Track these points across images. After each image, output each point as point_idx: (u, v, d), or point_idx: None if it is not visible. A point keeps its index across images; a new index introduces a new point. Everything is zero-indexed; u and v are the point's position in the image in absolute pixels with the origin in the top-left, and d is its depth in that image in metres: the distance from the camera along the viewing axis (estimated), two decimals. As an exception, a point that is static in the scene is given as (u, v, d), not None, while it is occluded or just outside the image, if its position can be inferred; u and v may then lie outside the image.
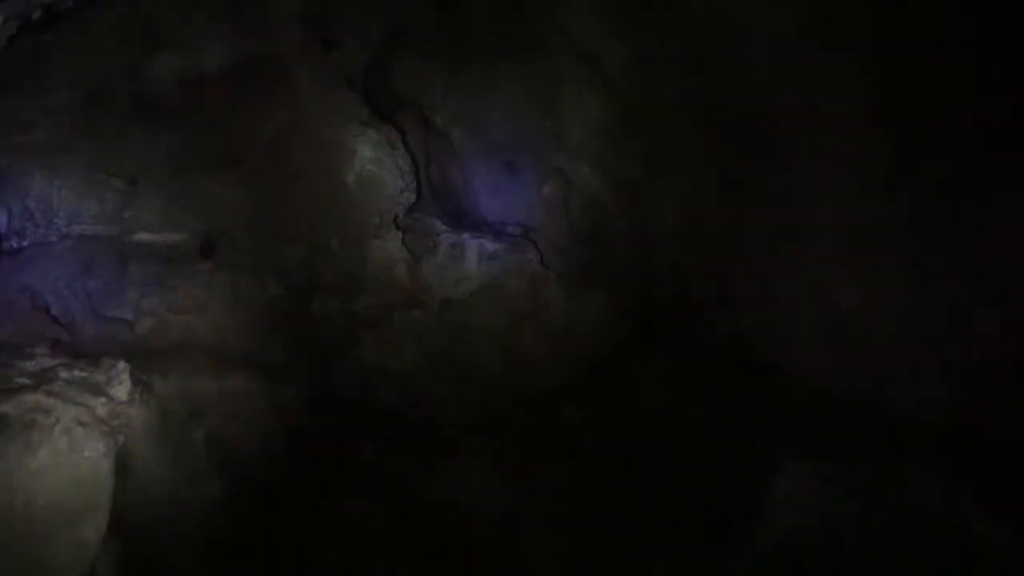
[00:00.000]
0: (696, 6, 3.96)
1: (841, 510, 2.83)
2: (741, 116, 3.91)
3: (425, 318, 5.12)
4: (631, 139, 4.82)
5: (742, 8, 3.67)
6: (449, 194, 5.57)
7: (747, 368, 3.99)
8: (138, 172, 4.70)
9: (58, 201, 4.54)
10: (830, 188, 3.48)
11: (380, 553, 3.60)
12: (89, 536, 2.97)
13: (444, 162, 5.53)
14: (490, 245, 5.27)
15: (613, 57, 4.64)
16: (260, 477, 3.98)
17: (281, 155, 5.03)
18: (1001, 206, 2.78)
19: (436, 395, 4.82)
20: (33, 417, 2.94)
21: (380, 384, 4.83)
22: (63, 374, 3.23)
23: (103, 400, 3.22)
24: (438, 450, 4.33)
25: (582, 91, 4.89)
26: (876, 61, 3.07)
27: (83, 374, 3.29)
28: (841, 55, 3.22)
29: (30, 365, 3.26)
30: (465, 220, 5.44)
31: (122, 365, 3.44)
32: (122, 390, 3.35)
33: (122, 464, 3.26)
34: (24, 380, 3.13)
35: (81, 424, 3.04)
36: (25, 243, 4.46)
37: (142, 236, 4.68)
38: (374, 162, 5.32)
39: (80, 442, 3.00)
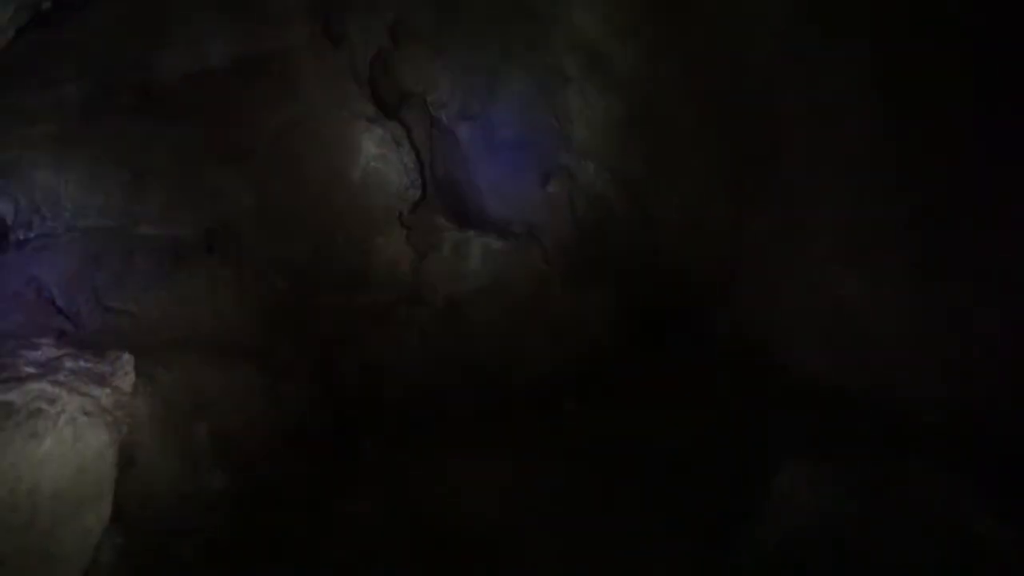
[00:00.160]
0: (700, 4, 3.97)
1: (842, 510, 2.83)
2: (744, 115, 3.92)
3: (429, 315, 5.13)
4: (635, 137, 4.83)
5: (744, 6, 3.68)
6: (454, 191, 5.58)
7: (749, 366, 4.00)
8: (144, 166, 4.72)
9: (64, 194, 4.56)
10: (832, 187, 3.49)
11: (381, 549, 3.60)
12: (92, 526, 2.99)
13: (449, 159, 5.54)
14: (494, 243, 5.28)
15: (618, 55, 4.65)
16: (262, 471, 3.99)
17: (286, 150, 5.05)
18: (1003, 205, 2.78)
19: (439, 392, 4.82)
20: (39, 406, 2.95)
21: (383, 380, 4.84)
22: (68, 364, 3.24)
23: (108, 391, 3.23)
24: (440, 447, 4.33)
25: (587, 89, 4.90)
26: (878, 58, 3.08)
27: (88, 364, 3.30)
28: (843, 52, 3.23)
29: (36, 355, 3.27)
30: (470, 217, 5.45)
31: (127, 356, 3.45)
32: (126, 381, 3.37)
33: (125, 455, 3.27)
34: (30, 369, 3.14)
35: (86, 414, 3.05)
36: (32, 235, 4.48)
37: (147, 229, 4.70)
38: (379, 158, 5.33)
39: (84, 432, 3.02)
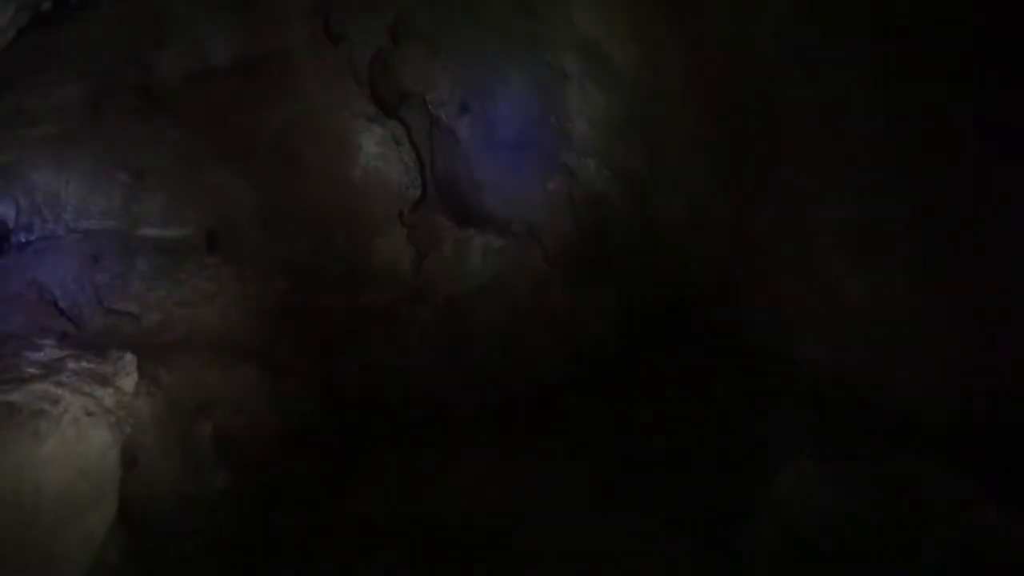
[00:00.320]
0: (700, 3, 3.97)
1: (843, 507, 2.83)
2: (744, 113, 3.92)
3: (429, 314, 5.13)
4: (636, 136, 4.83)
5: (744, 5, 3.68)
6: (454, 190, 5.59)
7: (751, 363, 4.00)
8: (145, 166, 4.73)
9: (65, 195, 4.56)
10: (832, 185, 3.49)
11: (381, 549, 3.61)
12: (96, 526, 3.00)
13: (449, 158, 5.55)
14: (495, 242, 5.29)
15: (618, 54, 4.65)
16: (265, 470, 4.00)
17: (286, 149, 5.05)
18: (1003, 205, 2.79)
19: (440, 391, 4.83)
20: (42, 406, 2.96)
21: (383, 379, 4.84)
22: (71, 365, 3.25)
23: (110, 391, 3.24)
24: (441, 446, 4.34)
25: (587, 88, 4.90)
26: (878, 58, 3.08)
27: (91, 365, 3.31)
28: (843, 52, 3.23)
29: (38, 356, 3.28)
30: (470, 216, 5.45)
31: (129, 357, 3.46)
32: (129, 382, 3.38)
33: (128, 455, 3.28)
34: (33, 370, 3.15)
35: (89, 414, 3.07)
36: (33, 237, 4.49)
37: (149, 230, 4.71)
38: (379, 157, 5.34)
39: (88, 432, 3.03)
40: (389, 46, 5.44)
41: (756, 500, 3.11)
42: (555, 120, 5.11)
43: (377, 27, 5.36)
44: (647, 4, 4.32)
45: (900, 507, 2.70)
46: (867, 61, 3.13)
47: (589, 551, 3.44)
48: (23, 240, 4.42)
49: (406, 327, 5.07)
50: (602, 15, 4.58)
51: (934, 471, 2.74)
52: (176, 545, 3.43)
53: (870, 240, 3.37)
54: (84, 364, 3.32)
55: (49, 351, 3.39)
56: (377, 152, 5.35)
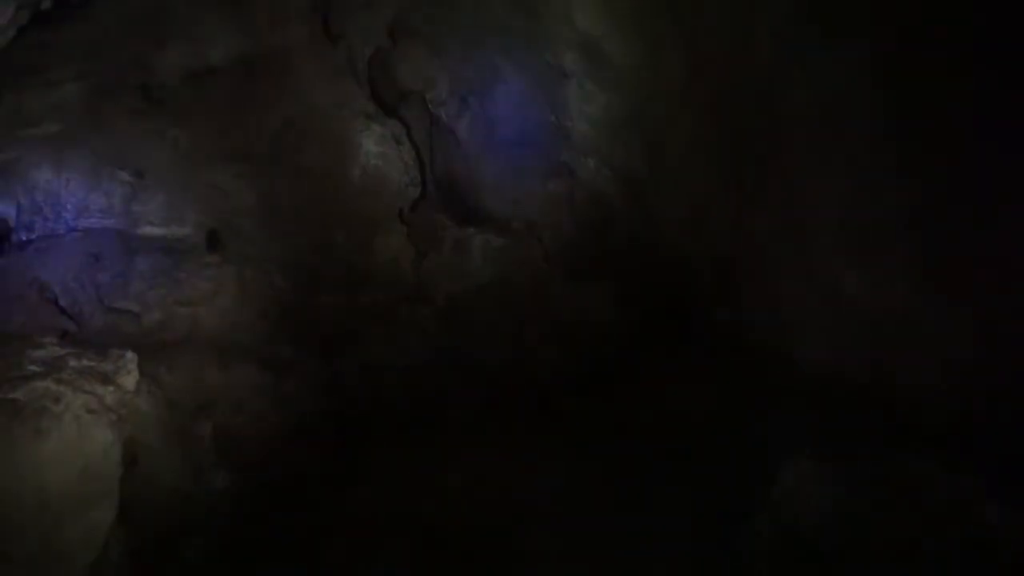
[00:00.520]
0: (700, 2, 3.97)
1: (844, 506, 2.84)
2: (744, 112, 3.92)
3: (430, 313, 5.14)
4: (636, 134, 4.83)
5: (744, 5, 3.69)
6: (454, 189, 5.60)
7: (751, 361, 4.00)
8: (145, 165, 4.73)
9: (66, 194, 4.57)
10: (832, 184, 3.49)
11: (382, 549, 3.61)
12: (97, 523, 3.00)
13: (449, 157, 5.55)
14: (495, 240, 5.29)
15: (618, 53, 4.65)
16: (265, 469, 4.00)
17: (286, 149, 5.05)
18: (1003, 204, 2.79)
19: (440, 390, 4.83)
20: (43, 404, 2.97)
21: (384, 378, 4.84)
22: (72, 363, 3.26)
23: (112, 389, 3.24)
24: (441, 445, 4.34)
25: (587, 86, 4.90)
26: (878, 58, 3.08)
27: (92, 363, 3.31)
28: (843, 52, 3.23)
29: (40, 354, 3.28)
30: (470, 215, 5.46)
31: (130, 355, 3.46)
32: (130, 380, 3.38)
33: (130, 453, 3.29)
34: (34, 368, 3.16)
35: (90, 412, 3.07)
36: (34, 236, 4.49)
37: (149, 229, 4.71)
38: (379, 156, 5.34)
39: (89, 430, 3.03)
40: (389, 45, 5.45)
41: (756, 500, 3.11)
42: (555, 119, 5.11)
43: (376, 26, 5.36)
44: (647, 3, 4.32)
45: (900, 507, 2.70)
46: (867, 61, 3.13)
47: (589, 551, 3.45)
48: (24, 239, 4.43)
49: (406, 326, 5.07)
50: (602, 14, 4.58)
51: (934, 471, 2.74)
52: (176, 544, 3.43)
53: (870, 240, 3.37)
54: (85, 362, 3.32)
55: (50, 349, 3.39)
56: (377, 151, 5.35)
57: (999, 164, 2.74)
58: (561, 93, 5.01)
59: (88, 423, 3.04)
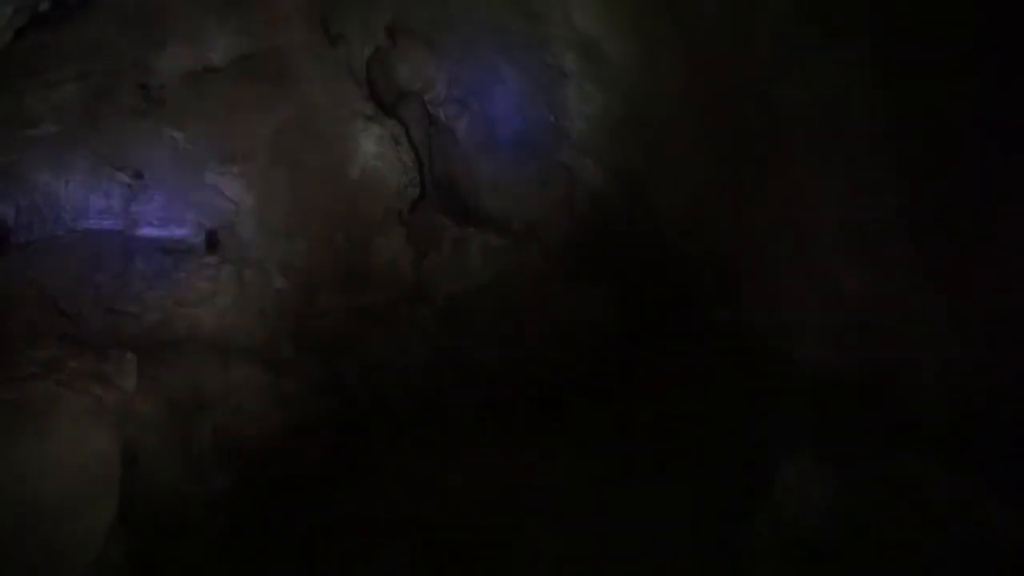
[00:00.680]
0: (699, 1, 3.97)
1: (844, 505, 2.84)
2: (745, 110, 3.92)
3: (429, 313, 5.14)
4: (635, 134, 4.83)
5: (743, 4, 3.68)
6: (453, 189, 5.60)
7: (751, 360, 4.00)
8: (144, 166, 4.72)
9: (65, 196, 4.55)
10: (832, 183, 3.49)
11: (382, 549, 3.62)
12: (97, 524, 3.01)
13: (448, 157, 5.55)
14: (494, 241, 5.30)
15: (617, 52, 4.65)
16: (265, 470, 4.00)
17: (285, 149, 5.05)
18: (1003, 204, 2.79)
19: (440, 390, 4.83)
20: (43, 405, 2.97)
21: (384, 378, 4.85)
22: (72, 364, 3.26)
23: (111, 390, 3.25)
24: (441, 445, 4.34)
25: (586, 86, 4.90)
26: (878, 57, 3.08)
27: (91, 364, 3.31)
28: (843, 51, 3.23)
29: (39, 355, 3.28)
30: (469, 215, 5.46)
31: (130, 356, 3.47)
32: (130, 381, 3.38)
33: (130, 454, 3.29)
34: (33, 369, 3.16)
35: (90, 413, 3.07)
36: (33, 237, 4.48)
37: (148, 230, 4.70)
38: (378, 157, 5.34)
39: (89, 431, 3.04)
40: (387, 45, 5.45)
41: (756, 500, 3.12)
42: (554, 119, 5.12)
43: (375, 26, 5.36)
44: (646, 3, 4.32)
45: (900, 507, 2.70)
46: (867, 61, 3.13)
47: (589, 551, 3.45)
48: (23, 240, 4.41)
49: (406, 326, 5.07)
50: (601, 14, 4.58)
51: (934, 471, 2.74)
52: (177, 544, 3.43)
53: (870, 239, 3.37)
54: (84, 363, 3.32)
55: (49, 350, 3.39)
56: (376, 152, 5.34)
57: (999, 164, 2.75)
58: (560, 93, 5.02)
59: (87, 424, 3.04)
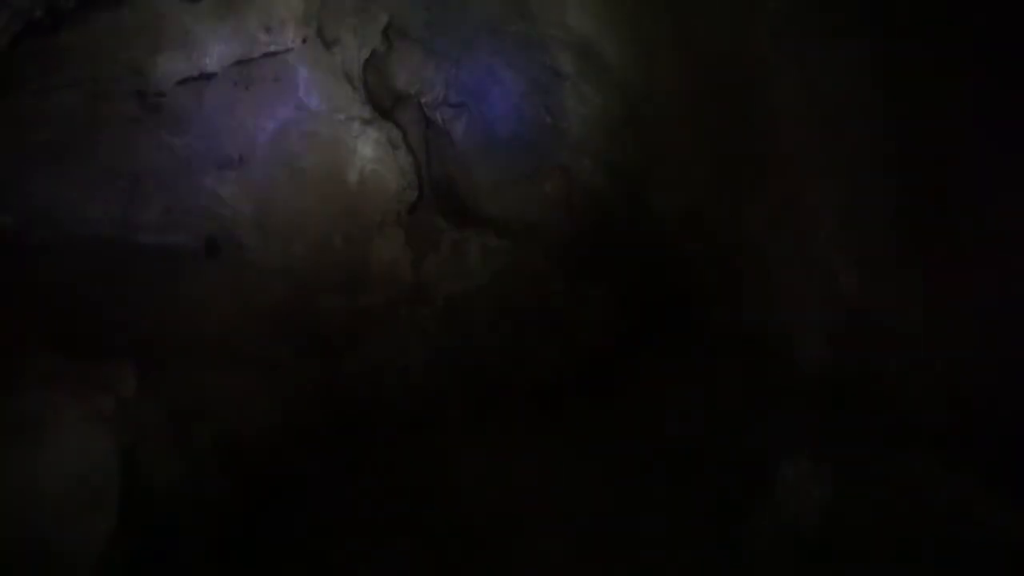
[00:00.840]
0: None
1: (846, 503, 2.85)
2: (742, 109, 3.91)
3: (429, 315, 5.14)
4: (632, 133, 4.83)
5: (741, 2, 3.67)
6: (451, 191, 5.61)
7: (751, 363, 4.00)
8: (142, 172, 4.71)
9: (62, 202, 4.55)
10: (831, 181, 3.48)
11: (382, 548, 3.63)
12: (98, 531, 3.01)
13: (446, 160, 5.56)
14: (493, 242, 5.31)
15: (612, 50, 4.65)
16: (266, 474, 4.01)
17: (283, 154, 5.05)
18: (1006, 202, 2.78)
19: (441, 391, 4.84)
20: (41, 414, 2.97)
21: (384, 381, 4.85)
22: (70, 371, 3.26)
23: (110, 398, 3.25)
24: (441, 446, 4.35)
25: (582, 86, 4.90)
26: (877, 56, 3.07)
27: (90, 371, 3.31)
28: (841, 49, 3.22)
29: (38, 363, 3.29)
30: (468, 217, 5.47)
31: (128, 363, 3.47)
32: (129, 387, 3.38)
33: (129, 460, 3.29)
34: (33, 377, 3.16)
35: (89, 420, 3.08)
36: (31, 244, 4.47)
37: (147, 236, 4.69)
38: (376, 161, 5.34)
39: (88, 439, 3.04)
40: (384, 49, 5.45)
41: (756, 500, 3.12)
42: (551, 120, 5.12)
43: (371, 30, 5.36)
44: (642, 4, 4.31)
45: (900, 507, 2.70)
46: (867, 60, 3.12)
47: (590, 551, 3.46)
48: (21, 247, 4.41)
49: (405, 328, 5.08)
50: (597, 15, 4.58)
51: (934, 471, 2.75)
52: (179, 550, 3.43)
53: (869, 239, 3.36)
54: (83, 371, 3.32)
55: (48, 358, 3.39)
56: (373, 155, 5.35)
57: (999, 163, 2.74)
58: (557, 94, 5.02)
59: (87, 432, 3.04)
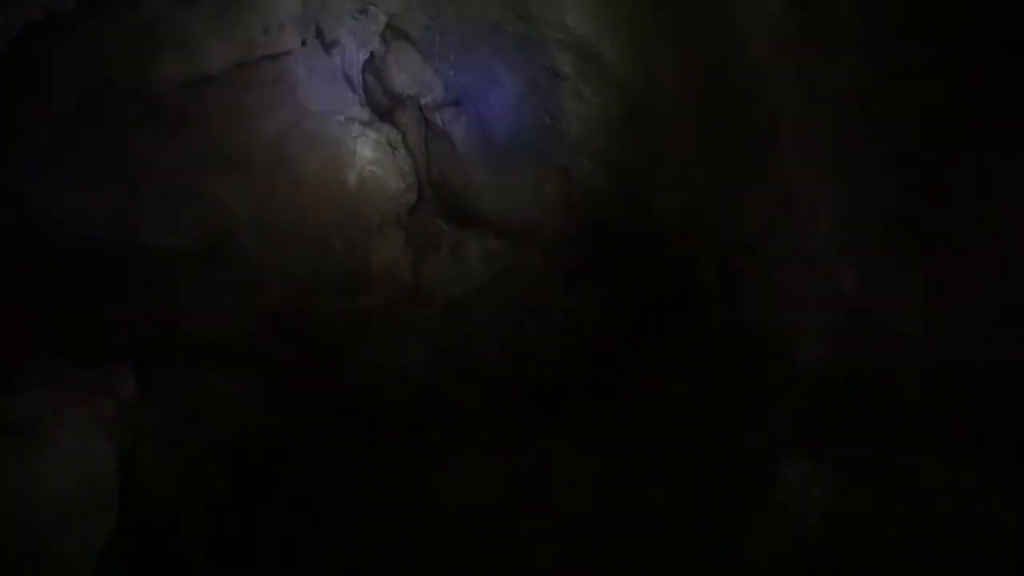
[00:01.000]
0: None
1: (846, 503, 2.84)
2: (740, 109, 3.91)
3: (429, 316, 5.15)
4: (631, 133, 4.83)
5: (738, 2, 3.67)
6: (451, 193, 5.62)
7: (750, 358, 4.00)
8: (142, 175, 4.72)
9: (62, 205, 4.56)
10: (830, 180, 3.48)
11: (383, 548, 3.63)
12: (96, 533, 3.01)
13: (445, 161, 5.57)
14: (493, 242, 5.31)
15: (611, 50, 4.64)
16: (266, 476, 4.01)
17: (283, 156, 5.06)
18: (1006, 201, 2.78)
19: (441, 392, 4.85)
20: (42, 416, 2.97)
21: (385, 382, 4.86)
22: (70, 374, 3.26)
23: (110, 400, 3.25)
24: (441, 446, 4.36)
25: (581, 87, 4.90)
26: (877, 50, 3.06)
27: (90, 374, 3.32)
28: (840, 43, 3.21)
29: (38, 365, 3.29)
30: (468, 218, 5.48)
31: (129, 365, 3.47)
32: (128, 390, 3.38)
33: (129, 462, 3.29)
34: (32, 379, 3.16)
35: (88, 423, 3.08)
36: (31, 247, 4.48)
37: (146, 239, 4.70)
38: (375, 163, 5.35)
39: (88, 441, 3.04)
40: (382, 50, 5.46)
41: (756, 500, 3.12)
42: (550, 121, 5.13)
43: (370, 32, 5.37)
44: (642, 4, 4.31)
45: (900, 507, 2.70)
46: (866, 60, 3.11)
47: (590, 551, 3.46)
48: (21, 250, 4.41)
49: (406, 329, 5.09)
50: (596, 15, 4.58)
51: (934, 470, 2.74)
52: (178, 553, 3.44)
53: (869, 239, 3.36)
54: (83, 373, 3.32)
55: (49, 360, 3.39)
56: (373, 157, 5.36)
57: (998, 163, 2.73)
58: (556, 95, 5.02)
59: (86, 434, 3.05)
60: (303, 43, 5.09)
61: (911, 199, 3.11)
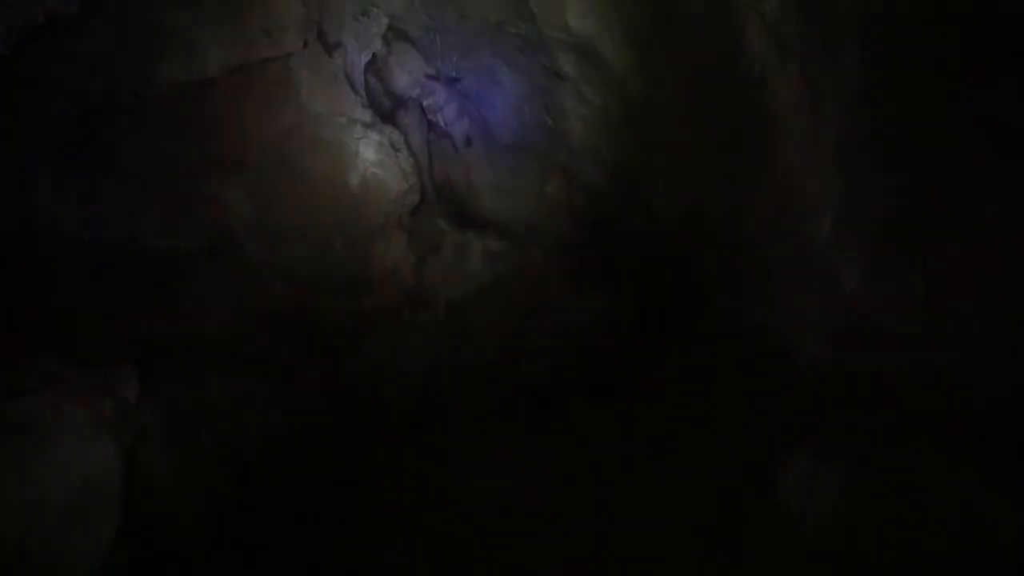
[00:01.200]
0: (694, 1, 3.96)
1: (846, 503, 2.84)
2: (740, 109, 3.91)
3: (431, 317, 5.16)
4: (632, 134, 4.84)
5: (736, 3, 3.67)
6: (453, 194, 5.62)
7: (751, 362, 4.00)
8: (144, 177, 4.73)
9: (64, 206, 4.56)
10: (829, 179, 3.48)
11: (384, 548, 3.63)
12: (100, 533, 3.02)
13: (447, 162, 5.57)
14: (494, 244, 5.32)
15: (612, 51, 4.65)
16: (268, 476, 4.01)
17: (284, 158, 5.07)
18: (1006, 201, 2.78)
19: (443, 392, 4.85)
20: (44, 417, 2.98)
21: (387, 383, 4.86)
22: (72, 375, 3.26)
23: (112, 401, 3.25)
24: (442, 447, 4.36)
25: (583, 88, 4.91)
26: (876, 49, 3.06)
27: (92, 375, 3.32)
28: (839, 43, 3.21)
29: (41, 367, 3.29)
30: (469, 219, 5.49)
31: (130, 366, 3.47)
32: (131, 391, 3.38)
33: (131, 462, 3.29)
34: (35, 381, 3.16)
35: (91, 424, 3.08)
36: (32, 248, 4.48)
37: (148, 241, 4.71)
38: (377, 164, 5.36)
39: (90, 442, 3.05)
40: (384, 52, 5.47)
41: (756, 500, 3.12)
42: (551, 122, 5.13)
43: (372, 34, 5.38)
44: (640, 5, 4.31)
45: (900, 507, 2.70)
46: (866, 60, 3.11)
47: (590, 551, 3.46)
48: (23, 250, 4.42)
49: (407, 330, 5.09)
50: (597, 17, 4.58)
51: (935, 470, 2.74)
52: (181, 552, 3.44)
53: (869, 239, 3.36)
54: (85, 374, 3.32)
55: (51, 362, 3.39)
56: (375, 158, 5.36)
57: (998, 162, 2.73)
58: (557, 96, 5.03)
59: (89, 435, 3.05)
60: (305, 45, 5.10)
61: (911, 199, 3.11)
